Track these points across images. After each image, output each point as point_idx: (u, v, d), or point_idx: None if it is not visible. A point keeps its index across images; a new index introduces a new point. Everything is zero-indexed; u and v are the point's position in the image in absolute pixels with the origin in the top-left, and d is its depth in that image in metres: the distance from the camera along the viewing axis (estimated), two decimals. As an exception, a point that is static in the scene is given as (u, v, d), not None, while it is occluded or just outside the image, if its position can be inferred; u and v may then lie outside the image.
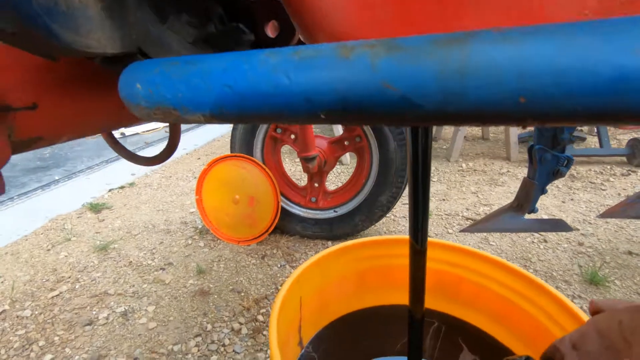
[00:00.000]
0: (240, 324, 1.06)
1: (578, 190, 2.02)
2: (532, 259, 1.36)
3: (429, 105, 0.17)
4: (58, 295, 1.21)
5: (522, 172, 2.32)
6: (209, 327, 1.05)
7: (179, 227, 1.66)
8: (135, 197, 2.05)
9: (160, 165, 2.65)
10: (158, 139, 3.59)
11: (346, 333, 0.57)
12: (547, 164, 1.11)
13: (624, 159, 2.44)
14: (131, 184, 2.25)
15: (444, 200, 1.93)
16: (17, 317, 1.10)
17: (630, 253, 1.38)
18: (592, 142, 2.96)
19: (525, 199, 1.16)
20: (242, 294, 1.19)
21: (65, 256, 1.44)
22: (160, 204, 1.94)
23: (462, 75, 0.15)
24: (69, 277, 1.30)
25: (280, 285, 0.55)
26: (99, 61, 0.35)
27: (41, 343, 1.00)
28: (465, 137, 3.05)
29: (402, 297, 0.48)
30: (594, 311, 0.26)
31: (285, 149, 2.91)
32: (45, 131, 0.36)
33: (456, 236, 1.52)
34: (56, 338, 1.02)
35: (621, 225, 1.59)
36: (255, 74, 0.20)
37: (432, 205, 1.85)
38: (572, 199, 1.90)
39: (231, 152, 1.52)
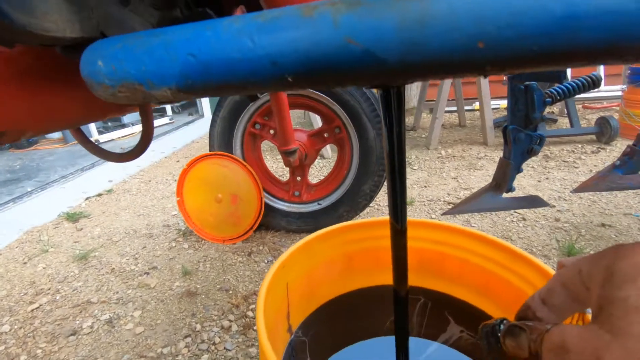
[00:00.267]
0: (230, 321, 1.05)
1: (552, 169, 2.09)
2: (512, 237, 1.40)
3: (392, 57, 0.17)
4: (38, 307, 1.16)
5: (499, 155, 2.37)
6: (198, 327, 1.03)
7: (161, 231, 1.63)
8: (114, 204, 1.99)
9: (138, 170, 2.59)
10: (135, 144, 3.50)
11: (335, 316, 0.57)
12: (521, 143, 1.14)
13: (594, 137, 2.54)
14: (109, 191, 2.19)
15: (425, 187, 1.96)
16: (-5, 333, 1.06)
17: (603, 225, 1.44)
18: (563, 123, 3.06)
19: (503, 179, 1.19)
20: (230, 292, 1.18)
21: (44, 268, 1.39)
22: (140, 209, 1.90)
23: (422, 24, 0.15)
24: (49, 289, 1.26)
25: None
26: (60, 50, 0.34)
27: (23, 357, 0.97)
28: (443, 125, 3.10)
29: (389, 278, 0.48)
30: (560, 268, 0.27)
31: (266, 146, 2.89)
32: (7, 126, 0.35)
33: (439, 220, 1.55)
34: (39, 351, 0.99)
35: (594, 199, 1.66)
36: (219, 39, 0.20)
37: (415, 192, 1.88)
38: (547, 178, 1.96)
39: (210, 151, 1.50)
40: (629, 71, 2.54)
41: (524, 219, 1.53)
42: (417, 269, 0.61)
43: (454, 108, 3.34)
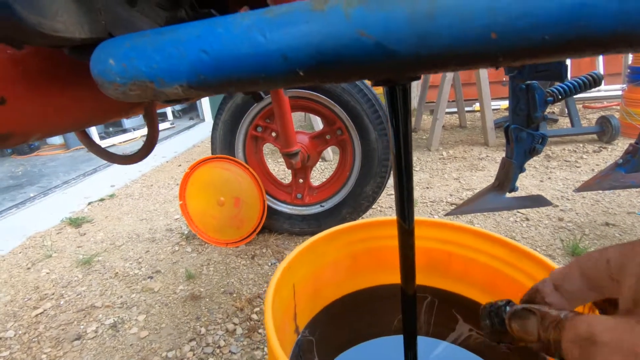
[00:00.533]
0: (235, 324, 1.04)
1: (554, 169, 2.08)
2: (516, 237, 1.40)
3: (404, 50, 0.17)
4: (42, 312, 1.16)
5: (501, 155, 2.38)
6: (203, 330, 1.03)
7: (164, 235, 1.63)
8: (116, 209, 1.99)
9: (140, 174, 2.59)
10: (137, 149, 3.51)
11: (342, 315, 0.57)
12: (523, 142, 1.14)
13: (595, 136, 2.53)
14: (111, 196, 2.19)
15: (427, 188, 1.96)
16: (0, 338, 1.06)
17: (607, 224, 1.44)
18: (564, 123, 3.06)
19: (505, 178, 1.19)
20: (234, 295, 1.18)
21: (47, 273, 1.39)
22: (143, 213, 1.90)
23: (433, 16, 0.15)
24: (53, 294, 1.26)
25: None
26: (68, 51, 0.34)
27: (27, 363, 0.96)
28: (443, 126, 3.11)
29: (395, 278, 0.48)
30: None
31: (267, 150, 2.90)
32: (16, 127, 0.35)
33: (444, 219, 1.55)
34: (43, 356, 0.98)
35: (597, 198, 1.66)
36: (230, 35, 0.20)
37: (417, 193, 1.88)
38: (549, 178, 1.96)
39: (212, 154, 1.50)
40: (628, 70, 2.54)
41: (527, 219, 1.52)
42: (423, 268, 0.60)
43: (455, 109, 3.34)
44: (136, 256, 1.46)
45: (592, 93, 3.48)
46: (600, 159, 2.18)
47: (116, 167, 2.78)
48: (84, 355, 0.98)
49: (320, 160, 2.54)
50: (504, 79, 3.58)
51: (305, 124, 3.64)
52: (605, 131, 2.44)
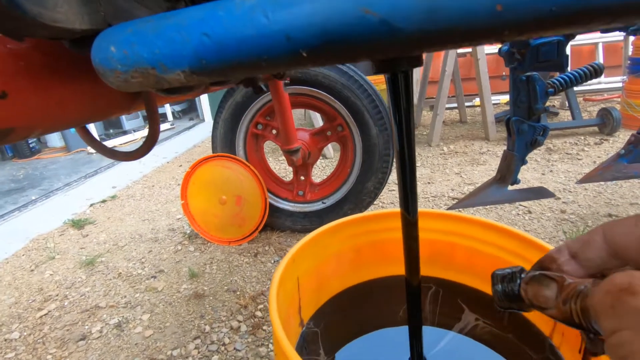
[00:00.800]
0: (239, 321, 1.04)
1: (556, 162, 2.08)
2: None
3: (409, 26, 0.17)
4: (47, 314, 1.16)
5: (502, 149, 2.37)
6: (207, 328, 1.03)
7: (167, 235, 1.63)
8: (118, 210, 2.00)
9: (141, 175, 2.60)
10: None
11: (346, 307, 0.57)
12: (525, 134, 1.14)
13: (596, 128, 2.53)
14: (113, 197, 2.19)
15: (429, 183, 1.96)
16: (5, 340, 1.06)
17: (610, 215, 1.43)
18: (565, 116, 3.06)
19: (507, 171, 1.19)
20: (238, 293, 1.18)
21: (51, 274, 1.39)
22: (145, 214, 1.90)
23: (439, -10, 0.15)
24: (57, 295, 1.26)
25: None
26: (69, 44, 0.34)
27: (33, 363, 0.97)
28: (444, 121, 3.10)
29: (399, 269, 0.48)
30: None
31: (268, 148, 2.90)
32: (18, 122, 0.35)
33: (447, 211, 1.54)
34: (49, 357, 0.98)
35: (599, 190, 1.65)
36: (233, 17, 0.20)
37: (419, 189, 1.87)
38: (551, 171, 1.96)
39: (213, 153, 1.50)
40: (629, 62, 2.53)
41: (530, 212, 1.52)
42: (427, 260, 0.60)
43: (455, 105, 3.33)
44: (139, 256, 1.46)
45: (593, 85, 3.47)
46: (602, 151, 2.18)
47: (117, 169, 2.78)
48: (89, 355, 0.98)
49: (321, 157, 2.54)
50: (504, 73, 3.57)
51: (306, 122, 3.64)
52: (606, 123, 2.43)
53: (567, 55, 0.95)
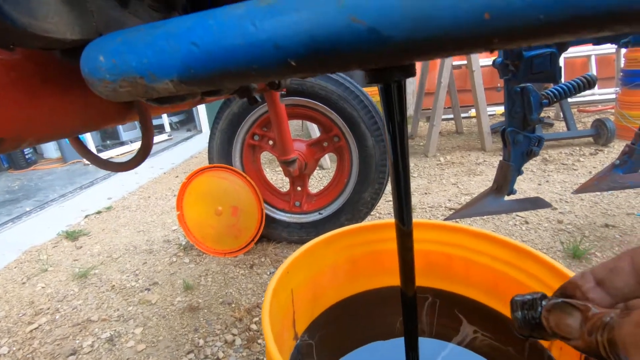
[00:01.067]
0: (234, 335, 1.03)
1: (552, 172, 2.09)
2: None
3: (398, 35, 0.16)
4: (37, 328, 1.14)
5: (498, 160, 2.38)
6: (201, 342, 1.01)
7: (162, 246, 1.61)
8: (113, 221, 1.98)
9: (137, 186, 2.58)
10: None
11: (342, 318, 0.56)
12: (520, 145, 1.14)
13: (591, 139, 2.55)
14: (108, 208, 2.17)
15: (426, 194, 1.96)
16: (-7, 355, 1.04)
17: (607, 226, 1.43)
18: (560, 127, 3.08)
19: (504, 181, 1.19)
20: (233, 305, 1.16)
21: (43, 287, 1.37)
22: (140, 225, 1.88)
23: (427, -1, 0.15)
24: (48, 309, 1.23)
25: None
26: (60, 54, 0.34)
27: (21, 379, 0.94)
28: (440, 132, 3.12)
29: (396, 281, 0.47)
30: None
31: (265, 159, 2.90)
32: (7, 133, 0.35)
33: (444, 221, 1.54)
34: (38, 372, 0.96)
35: (595, 200, 1.65)
36: (221, 26, 0.19)
37: (415, 199, 1.87)
38: (547, 181, 1.96)
39: (210, 163, 1.50)
40: (621, 74, 2.57)
41: (527, 222, 1.52)
42: (423, 271, 0.60)
43: (451, 116, 3.36)
44: (133, 268, 1.44)
45: (587, 97, 3.52)
46: (597, 162, 2.19)
47: (113, 180, 2.77)
48: (80, 370, 0.95)
49: (318, 168, 2.54)
50: (499, 85, 3.62)
51: (303, 132, 3.65)
52: (601, 134, 2.45)
53: (560, 67, 0.97)
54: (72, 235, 1.79)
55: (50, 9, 0.27)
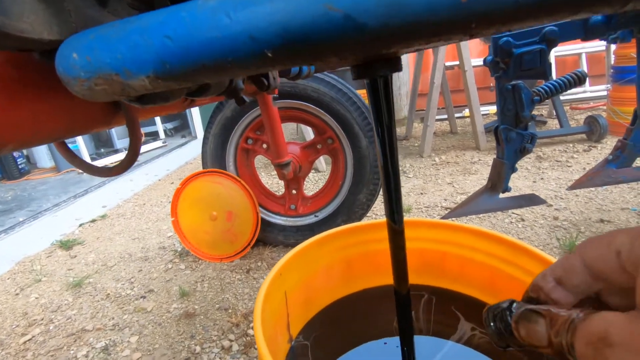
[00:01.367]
0: (231, 341, 1.01)
1: (546, 170, 2.09)
2: (512, 238, 1.39)
3: (373, 21, 0.16)
4: (31, 339, 1.12)
5: (492, 159, 2.39)
6: (198, 349, 1.00)
7: (157, 253, 1.60)
8: (108, 229, 1.96)
9: (132, 194, 2.56)
10: (131, 170, 3.48)
11: (337, 318, 0.55)
12: (513, 142, 1.15)
13: (584, 136, 2.56)
14: (103, 216, 2.16)
15: (421, 194, 1.95)
16: (-14, 368, 1.02)
17: (602, 221, 1.44)
18: (553, 124, 3.10)
19: (498, 179, 1.19)
20: (230, 311, 1.15)
21: (36, 298, 1.35)
22: (135, 233, 1.86)
23: (400, -17, 0.15)
24: (42, 319, 1.22)
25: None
26: (39, 56, 0.33)
27: (14, 392, 0.92)
28: (434, 132, 3.13)
29: (389, 280, 0.47)
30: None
31: (260, 163, 2.89)
32: (-14, 137, 0.34)
33: (438, 219, 1.53)
34: (31, 384, 0.94)
35: (590, 196, 1.66)
36: (194, 19, 0.19)
37: (411, 200, 1.87)
38: (542, 178, 1.97)
39: (203, 168, 1.49)
40: (612, 70, 2.59)
41: (523, 220, 1.52)
42: (418, 270, 0.59)
43: (445, 116, 3.37)
44: (128, 276, 1.43)
45: (578, 94, 3.54)
46: (591, 158, 2.20)
47: (108, 188, 2.75)
48: (74, 381, 0.94)
49: (313, 170, 2.54)
50: (491, 84, 3.64)
51: (298, 136, 3.65)
52: (593, 130, 2.47)
53: (550, 63, 0.97)
54: (66, 245, 1.77)
55: (25, 7, 0.27)
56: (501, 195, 1.23)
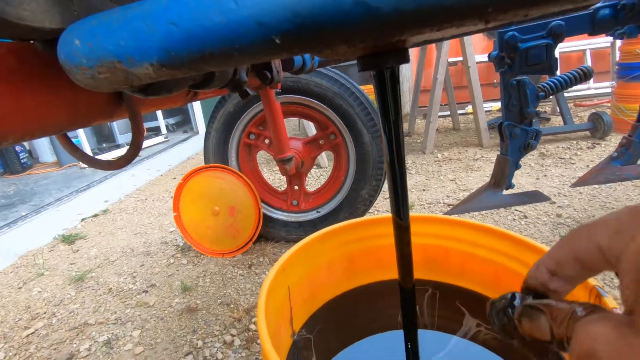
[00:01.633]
0: (232, 335, 1.01)
1: (550, 167, 2.08)
2: (515, 235, 1.38)
3: (386, 5, 0.16)
4: (33, 332, 1.13)
5: (495, 155, 2.37)
6: (200, 343, 1.00)
7: (159, 248, 1.60)
8: (110, 224, 1.96)
9: (134, 188, 2.57)
10: (132, 165, 3.48)
11: (340, 312, 0.55)
12: (517, 138, 1.14)
13: (588, 133, 2.55)
14: (105, 211, 2.16)
15: (424, 190, 1.95)
16: (-11, 361, 1.02)
17: (606, 218, 1.43)
18: (557, 121, 3.08)
19: (502, 175, 1.18)
20: (232, 306, 1.15)
21: (39, 292, 1.36)
22: (137, 227, 1.87)
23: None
24: (44, 313, 1.22)
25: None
26: (41, 45, 0.33)
27: (17, 385, 0.93)
28: (437, 129, 3.12)
29: (393, 275, 0.46)
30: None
31: (262, 159, 2.89)
32: (-12, 128, 0.33)
33: (442, 215, 1.53)
34: (34, 377, 0.95)
35: (594, 194, 1.65)
36: (199, 4, 0.18)
37: (414, 196, 1.87)
38: (545, 175, 1.96)
39: (205, 163, 1.48)
40: (617, 67, 2.57)
41: (526, 217, 1.51)
42: (422, 265, 0.59)
43: (447, 112, 3.36)
44: (130, 270, 1.43)
45: (583, 91, 3.52)
46: (595, 155, 2.19)
47: (110, 183, 2.75)
48: (77, 374, 0.94)
49: (315, 166, 2.53)
50: (495, 80, 3.61)
51: (300, 132, 3.64)
52: (597, 127, 2.45)
53: (556, 58, 0.96)
54: (68, 239, 1.78)
55: (26, -5, 0.26)
56: (504, 192, 1.22)
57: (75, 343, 1.06)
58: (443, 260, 0.58)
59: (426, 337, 0.43)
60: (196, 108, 4.83)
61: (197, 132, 4.81)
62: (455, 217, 0.58)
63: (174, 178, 2.77)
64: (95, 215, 2.11)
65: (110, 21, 0.21)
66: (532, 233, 1.38)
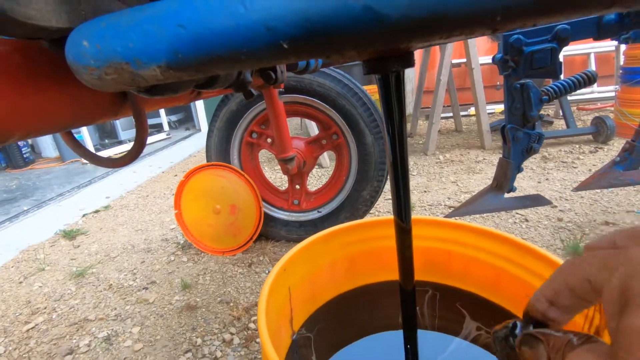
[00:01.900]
0: (232, 334, 1.02)
1: (551, 170, 2.08)
2: (516, 238, 1.38)
3: (394, 12, 0.16)
4: (34, 327, 1.13)
5: (497, 158, 2.37)
6: (199, 341, 1.00)
7: (160, 245, 1.60)
8: (111, 220, 1.97)
9: (136, 185, 2.57)
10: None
11: (340, 311, 0.55)
12: (520, 141, 1.14)
13: (590, 137, 2.54)
14: (106, 207, 2.16)
15: (425, 192, 1.95)
16: (-11, 355, 1.03)
17: (607, 223, 1.43)
18: (559, 125, 3.08)
19: (504, 178, 1.18)
20: (231, 304, 1.15)
21: (40, 287, 1.36)
22: (138, 224, 1.87)
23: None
24: (45, 308, 1.22)
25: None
26: (49, 45, 0.33)
27: (17, 379, 0.93)
28: (439, 130, 3.11)
29: (394, 276, 0.46)
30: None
31: (264, 158, 2.89)
32: (-7, 126, 0.34)
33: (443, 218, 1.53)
34: (34, 372, 0.95)
35: (595, 198, 1.65)
36: (209, 7, 0.18)
37: (415, 197, 1.87)
38: (547, 179, 1.95)
39: (208, 162, 1.49)
40: (621, 71, 2.56)
41: (527, 220, 1.51)
42: (423, 268, 0.59)
43: (450, 114, 3.35)
44: (131, 267, 1.43)
45: (586, 95, 3.51)
46: (597, 159, 2.18)
47: (111, 179, 2.76)
48: (76, 370, 0.94)
49: (317, 166, 2.53)
50: (498, 83, 3.61)
51: (302, 131, 3.64)
52: (600, 132, 2.44)
53: (561, 62, 0.96)
54: (69, 235, 1.78)
55: (34, -6, 0.26)
56: (506, 195, 1.22)
57: (75, 338, 1.06)
58: (445, 263, 0.58)
59: (427, 338, 0.44)
60: (199, 106, 4.84)
61: (200, 130, 4.82)
62: (457, 220, 0.58)
63: (176, 175, 2.78)
64: (97, 211, 2.11)
65: (119, 23, 0.21)
66: (532, 237, 1.38)
